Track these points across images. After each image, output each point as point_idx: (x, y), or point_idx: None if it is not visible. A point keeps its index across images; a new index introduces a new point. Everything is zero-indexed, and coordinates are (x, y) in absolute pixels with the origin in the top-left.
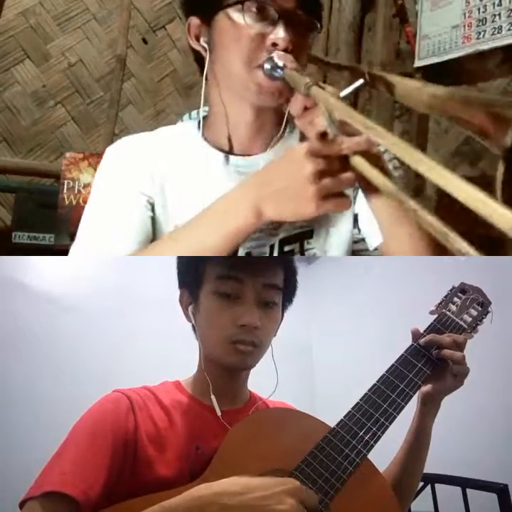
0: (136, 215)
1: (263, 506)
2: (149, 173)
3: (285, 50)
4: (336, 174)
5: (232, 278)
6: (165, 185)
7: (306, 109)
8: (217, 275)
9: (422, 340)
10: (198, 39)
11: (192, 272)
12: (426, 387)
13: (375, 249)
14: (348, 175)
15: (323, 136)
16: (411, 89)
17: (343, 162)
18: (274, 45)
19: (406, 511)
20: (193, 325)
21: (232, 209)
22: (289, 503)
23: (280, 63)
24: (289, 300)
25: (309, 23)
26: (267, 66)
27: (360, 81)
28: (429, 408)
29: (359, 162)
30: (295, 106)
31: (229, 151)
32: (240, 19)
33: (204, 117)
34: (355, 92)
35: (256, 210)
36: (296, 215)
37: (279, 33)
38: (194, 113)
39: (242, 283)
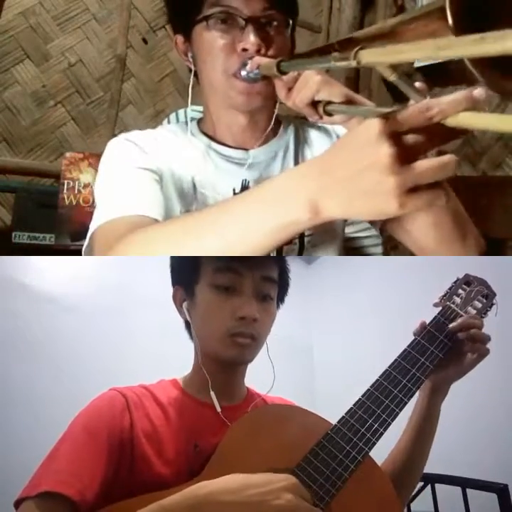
0: (153, 187)
1: (261, 502)
2: (155, 161)
3: (258, 52)
4: (425, 155)
5: (231, 270)
6: (168, 172)
7: (289, 89)
8: (215, 268)
9: (452, 326)
10: (186, 54)
11: (187, 268)
12: (437, 375)
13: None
14: (445, 159)
15: (314, 104)
16: (372, 31)
17: (435, 131)
18: (245, 50)
19: (406, 503)
20: (186, 322)
21: (284, 200)
22: (287, 498)
23: (253, 68)
24: (281, 299)
25: (282, 19)
26: (244, 73)
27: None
28: (438, 395)
29: (466, 118)
30: (279, 91)
31: (227, 145)
32: (209, 33)
33: (200, 119)
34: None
35: (314, 205)
36: (370, 214)
37: (247, 38)
38: (181, 114)
39: (241, 275)
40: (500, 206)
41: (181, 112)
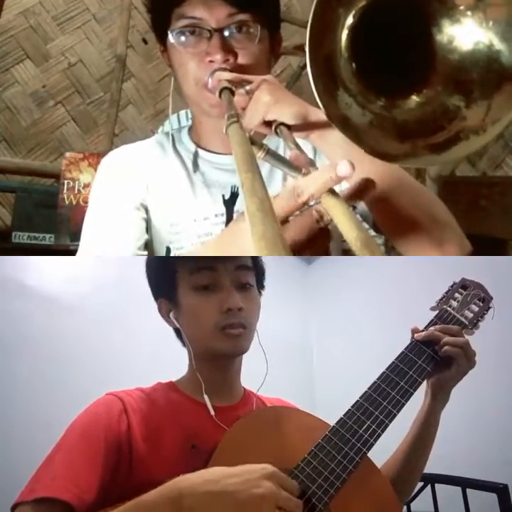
0: (131, 221)
1: (240, 491)
2: (143, 180)
3: (226, 62)
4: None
5: (205, 268)
6: (158, 187)
7: (243, 109)
8: (190, 270)
9: (417, 335)
10: (169, 62)
11: (165, 278)
12: (434, 379)
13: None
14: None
15: (269, 123)
16: None
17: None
18: (212, 61)
19: (403, 505)
20: (176, 329)
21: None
22: (266, 486)
23: (215, 84)
24: (261, 285)
25: (253, 24)
26: (211, 84)
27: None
28: (438, 400)
29: (327, 203)
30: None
31: (215, 151)
32: (178, 45)
33: (190, 126)
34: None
35: None
36: None
37: (213, 50)
38: (183, 116)
39: (216, 271)
40: (501, 206)
41: (182, 113)
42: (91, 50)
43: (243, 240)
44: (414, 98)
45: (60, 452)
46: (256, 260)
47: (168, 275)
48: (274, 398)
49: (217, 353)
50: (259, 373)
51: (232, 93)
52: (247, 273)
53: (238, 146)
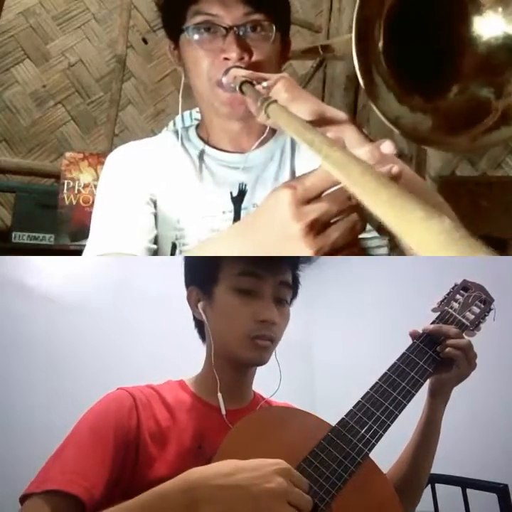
0: (141, 214)
1: (252, 485)
2: (151, 175)
3: (240, 60)
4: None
5: (253, 274)
6: (166, 182)
7: None
8: (238, 272)
9: (425, 328)
10: (178, 60)
11: (205, 269)
12: (435, 379)
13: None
14: (351, 220)
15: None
16: (343, 42)
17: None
18: (227, 59)
19: (416, 505)
20: (199, 322)
21: (220, 252)
22: (278, 481)
23: (230, 80)
24: (291, 303)
25: (267, 24)
26: (225, 81)
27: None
28: (438, 400)
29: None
30: (250, 106)
31: (223, 149)
32: (193, 42)
33: (199, 123)
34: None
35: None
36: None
37: (228, 47)
38: (187, 116)
39: (262, 279)
40: (501, 206)
41: (187, 114)
42: (91, 50)
43: (245, 239)
44: (451, 92)
45: (70, 445)
46: (296, 279)
47: (211, 267)
48: (282, 402)
49: (239, 359)
50: (268, 377)
51: (252, 85)
52: (288, 290)
53: (290, 120)
